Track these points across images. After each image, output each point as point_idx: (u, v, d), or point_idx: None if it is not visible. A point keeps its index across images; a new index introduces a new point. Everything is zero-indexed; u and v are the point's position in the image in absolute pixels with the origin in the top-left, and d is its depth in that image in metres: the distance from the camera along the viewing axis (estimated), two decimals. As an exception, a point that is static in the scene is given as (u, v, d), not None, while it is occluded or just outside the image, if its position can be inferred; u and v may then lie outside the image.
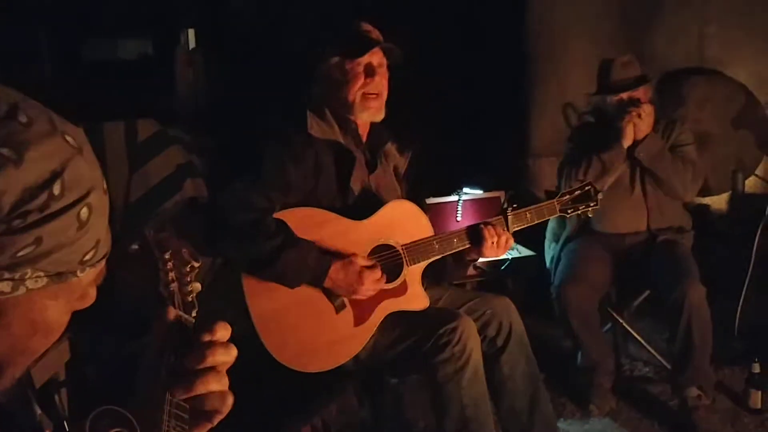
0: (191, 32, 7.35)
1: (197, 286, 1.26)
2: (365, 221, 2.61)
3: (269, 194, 2.49)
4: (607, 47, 4.68)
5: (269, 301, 2.46)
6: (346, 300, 2.55)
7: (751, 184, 4.72)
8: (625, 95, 3.55)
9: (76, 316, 0.94)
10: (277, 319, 2.46)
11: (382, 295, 2.61)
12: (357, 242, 2.58)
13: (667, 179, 3.54)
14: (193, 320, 1.20)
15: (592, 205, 2.92)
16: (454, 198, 4.19)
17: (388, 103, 2.74)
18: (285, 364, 2.45)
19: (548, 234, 3.88)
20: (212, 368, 1.08)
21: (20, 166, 0.80)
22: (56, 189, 0.83)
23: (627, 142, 3.51)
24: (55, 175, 0.83)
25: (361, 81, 2.64)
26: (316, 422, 2.51)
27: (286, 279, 2.45)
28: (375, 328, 2.60)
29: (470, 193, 4.23)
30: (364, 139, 2.79)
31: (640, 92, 3.57)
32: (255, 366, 2.39)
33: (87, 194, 0.86)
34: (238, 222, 2.42)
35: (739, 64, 4.87)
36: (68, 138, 0.86)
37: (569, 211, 2.90)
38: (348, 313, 2.56)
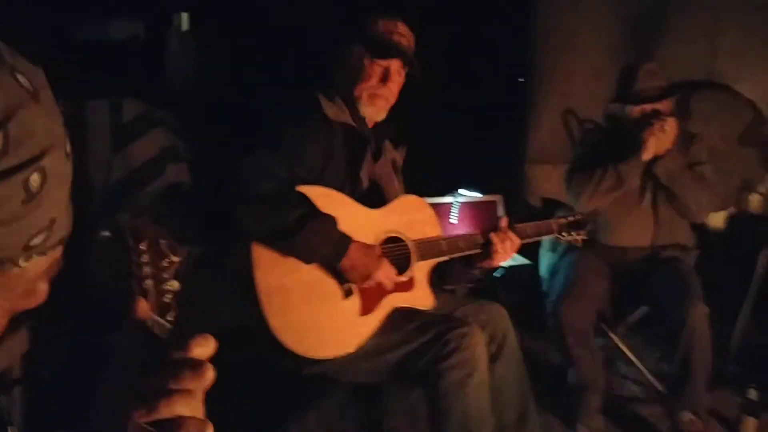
0: (185, 15, 7.21)
1: (175, 284, 1.08)
2: (378, 210, 2.58)
3: (291, 166, 2.41)
4: (612, 55, 4.58)
5: (277, 277, 2.34)
6: (354, 286, 2.46)
7: (756, 203, 4.61)
8: (648, 107, 3.40)
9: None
10: (283, 296, 2.34)
11: (390, 288, 2.54)
12: (370, 230, 2.53)
13: (684, 199, 3.44)
14: (169, 326, 1.03)
15: (582, 234, 2.92)
16: (449, 199, 4.07)
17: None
18: (285, 346, 2.32)
19: (544, 242, 3.75)
20: (181, 390, 0.84)
21: None
22: None
23: (647, 156, 3.37)
24: None
25: (374, 82, 2.64)
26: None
27: (306, 251, 2.34)
28: (380, 321, 2.52)
29: (466, 195, 4.10)
30: (370, 127, 2.76)
31: (662, 104, 3.43)
32: (232, 366, 2.24)
33: (40, 155, 0.65)
34: (262, 190, 2.32)
35: (748, 79, 4.75)
36: (20, 78, 0.65)
37: (563, 234, 2.89)
38: (355, 301, 2.47)
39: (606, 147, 3.50)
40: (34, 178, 0.65)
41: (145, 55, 6.73)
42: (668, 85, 3.50)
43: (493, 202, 4.14)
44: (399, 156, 2.89)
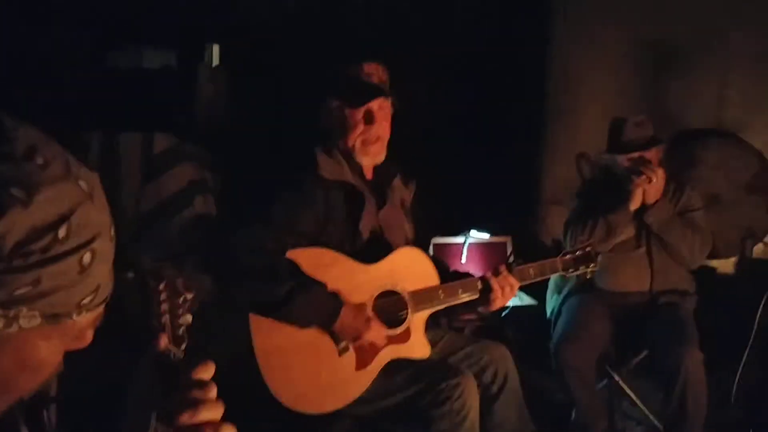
0: (216, 48, 7.37)
1: (188, 318, 1.26)
2: (373, 265, 2.62)
3: (281, 238, 2.49)
4: (624, 101, 4.71)
5: (274, 339, 2.46)
6: (350, 343, 2.55)
7: (759, 250, 4.69)
8: (636, 155, 3.52)
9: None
10: (280, 357, 2.46)
11: (385, 341, 2.61)
12: (364, 286, 2.59)
13: (676, 246, 3.53)
14: (182, 354, 1.21)
15: (591, 266, 2.93)
16: (460, 239, 4.19)
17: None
18: (284, 405, 2.44)
19: (551, 285, 3.86)
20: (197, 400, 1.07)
21: (28, 207, 0.81)
22: (62, 232, 0.83)
23: (634, 206, 3.49)
24: (62, 219, 0.84)
25: (360, 128, 2.67)
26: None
27: (296, 321, 2.46)
28: (376, 374, 2.60)
29: (476, 235, 4.23)
30: (369, 177, 2.81)
31: (651, 153, 3.54)
32: (246, 399, 2.37)
33: (92, 239, 0.87)
34: (250, 266, 2.42)
35: (756, 128, 4.86)
36: (81, 183, 0.87)
37: (570, 270, 2.90)
38: (351, 357, 2.56)
39: (601, 196, 3.61)
40: (87, 256, 0.87)
41: (176, 86, 6.90)
42: (655, 135, 3.61)
43: (503, 243, 4.26)
44: (408, 194, 2.92)
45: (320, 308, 2.45)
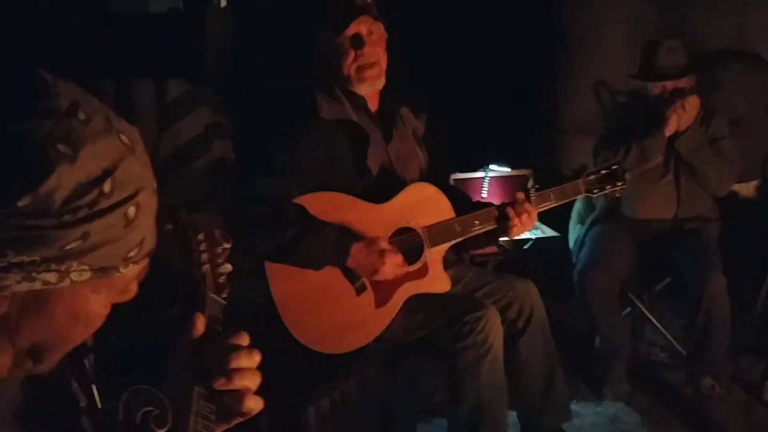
0: (222, -11, 7.28)
1: (228, 266, 1.28)
2: (386, 204, 2.61)
3: (285, 183, 2.49)
4: (643, 27, 4.63)
5: (291, 284, 2.48)
6: (366, 282, 2.56)
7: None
8: (669, 84, 3.46)
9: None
10: (298, 302, 2.49)
11: (403, 278, 2.61)
12: (378, 226, 2.59)
13: (704, 173, 3.49)
14: (224, 302, 1.23)
15: (619, 185, 2.84)
16: (480, 174, 4.18)
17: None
18: (307, 346, 2.48)
19: (573, 215, 3.86)
20: (247, 368, 1.13)
21: (74, 163, 0.82)
22: (107, 187, 0.85)
23: (669, 132, 3.42)
24: (107, 173, 0.85)
25: (351, 55, 2.61)
26: (334, 395, 2.54)
27: (308, 265, 2.47)
28: (396, 311, 2.61)
29: (497, 170, 4.22)
30: (375, 109, 2.76)
31: (683, 81, 3.48)
32: (277, 339, 2.42)
33: (136, 193, 0.89)
34: (256, 214, 2.43)
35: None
36: (123, 137, 0.89)
37: (595, 192, 2.82)
38: (369, 295, 2.57)
39: (630, 123, 3.55)
40: (132, 210, 0.88)
41: (184, 30, 6.84)
42: (690, 62, 3.53)
43: (524, 176, 4.24)
44: (420, 124, 2.87)
45: (330, 248, 2.46)
